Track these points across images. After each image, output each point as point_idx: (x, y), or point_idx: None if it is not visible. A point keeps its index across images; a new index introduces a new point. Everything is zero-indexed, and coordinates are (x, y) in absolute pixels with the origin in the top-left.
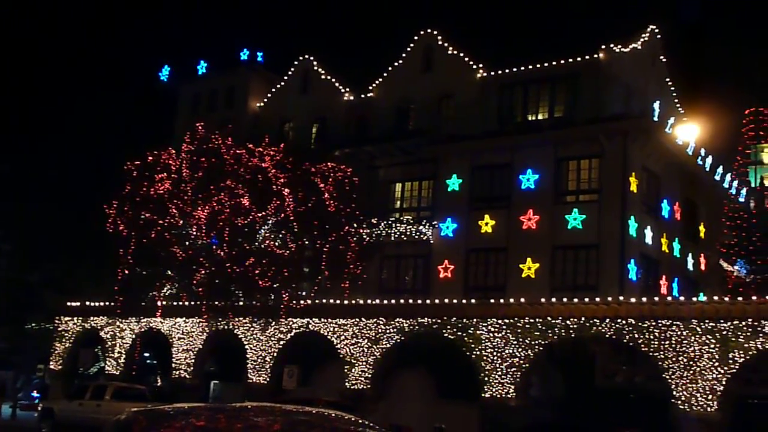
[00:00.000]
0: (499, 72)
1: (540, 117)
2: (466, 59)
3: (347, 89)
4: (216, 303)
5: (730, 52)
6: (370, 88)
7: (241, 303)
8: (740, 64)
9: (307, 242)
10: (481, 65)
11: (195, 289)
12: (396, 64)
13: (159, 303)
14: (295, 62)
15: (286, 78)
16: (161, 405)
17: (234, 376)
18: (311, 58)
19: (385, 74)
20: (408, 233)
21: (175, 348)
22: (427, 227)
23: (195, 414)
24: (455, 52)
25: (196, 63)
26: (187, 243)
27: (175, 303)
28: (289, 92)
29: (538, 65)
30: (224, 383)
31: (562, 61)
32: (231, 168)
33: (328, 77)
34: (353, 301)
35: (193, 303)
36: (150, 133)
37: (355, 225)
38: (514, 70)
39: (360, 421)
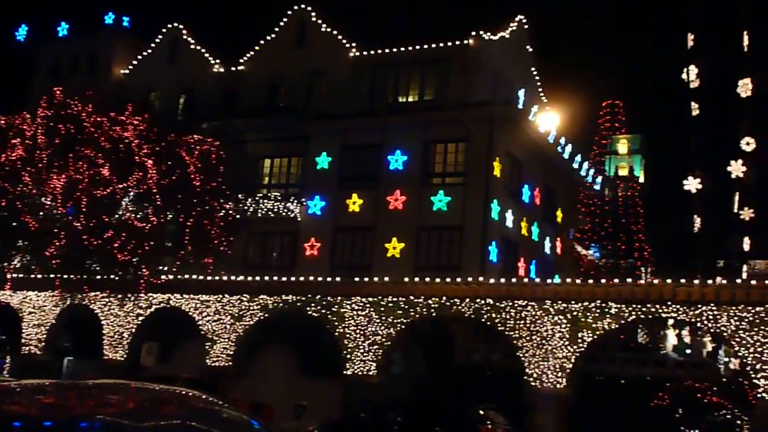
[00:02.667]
0: (372, 52)
1: (410, 99)
2: (340, 37)
3: (217, 61)
4: (71, 276)
5: (591, 46)
6: (241, 61)
7: (98, 277)
8: (600, 59)
9: (170, 216)
10: (354, 44)
11: (49, 261)
12: (268, 38)
13: (8, 275)
14: (164, 30)
15: (153, 46)
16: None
17: (89, 352)
18: (180, 26)
19: (256, 48)
20: (275, 210)
21: (26, 323)
22: (294, 204)
23: (43, 391)
24: (329, 29)
25: (57, 24)
26: (41, 213)
27: (26, 275)
28: (156, 61)
29: (410, 48)
30: (78, 360)
31: (434, 46)
32: (91, 136)
33: (198, 47)
34: (216, 277)
35: (46, 276)
36: (3, 95)
37: (221, 200)
38: (387, 51)
39: (213, 399)
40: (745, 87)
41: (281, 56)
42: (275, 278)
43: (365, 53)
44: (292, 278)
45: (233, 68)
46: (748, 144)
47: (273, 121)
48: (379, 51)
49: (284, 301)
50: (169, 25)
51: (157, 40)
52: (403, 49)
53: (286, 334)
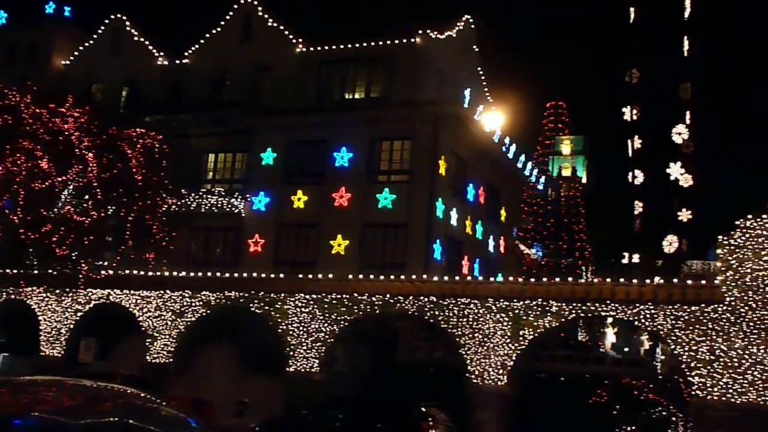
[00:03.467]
0: (319, 49)
1: (357, 96)
2: (286, 33)
3: (161, 54)
4: (7, 271)
5: (536, 48)
6: (186, 54)
7: (35, 271)
8: (545, 60)
9: (110, 210)
10: (300, 40)
11: None
12: (214, 31)
13: None
14: (106, 21)
15: (95, 37)
16: None
17: (25, 348)
18: (123, 17)
19: (202, 41)
20: (219, 205)
21: None
22: (239, 200)
23: None
24: (275, 24)
25: None
26: None
27: None
28: (98, 52)
29: (357, 45)
30: (14, 356)
31: (381, 43)
32: (29, 128)
33: (141, 39)
34: (158, 273)
35: None
36: None
37: (163, 194)
38: (334, 48)
39: (151, 397)
40: (685, 90)
41: (227, 50)
42: (218, 274)
43: (312, 49)
44: (236, 274)
45: (178, 61)
46: (686, 147)
47: (218, 115)
48: (326, 47)
49: (227, 298)
50: (112, 16)
51: (100, 32)
52: (350, 46)
53: (229, 330)
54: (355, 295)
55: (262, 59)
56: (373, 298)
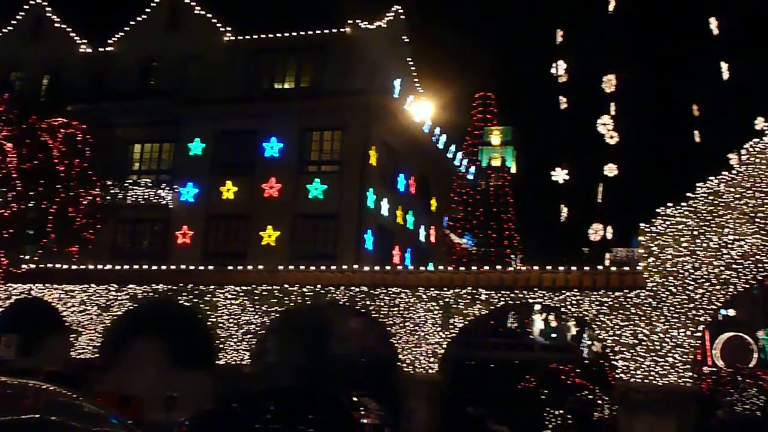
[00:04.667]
0: (248, 37)
1: (287, 86)
2: (214, 21)
3: (84, 41)
4: None
5: (466, 38)
6: (111, 42)
7: None
8: (474, 51)
9: (31, 203)
10: (229, 29)
11: None
12: (139, 18)
13: None
14: (26, 6)
15: (14, 23)
16: None
17: None
18: (44, 3)
19: (126, 29)
20: (146, 197)
21: None
22: (166, 191)
23: None
24: (202, 12)
25: None
26: None
27: None
28: (17, 39)
29: (287, 34)
30: None
31: (311, 33)
32: None
33: (63, 26)
34: (82, 266)
35: None
36: None
37: (87, 186)
38: (263, 37)
39: (73, 393)
40: (609, 82)
41: (153, 38)
42: (145, 267)
43: (241, 38)
44: (163, 267)
45: (102, 49)
46: (611, 137)
47: (144, 104)
48: (256, 36)
49: (154, 291)
50: (32, 2)
51: (19, 17)
52: (279, 35)
53: (157, 324)
54: (286, 286)
55: (189, 48)
56: (304, 289)
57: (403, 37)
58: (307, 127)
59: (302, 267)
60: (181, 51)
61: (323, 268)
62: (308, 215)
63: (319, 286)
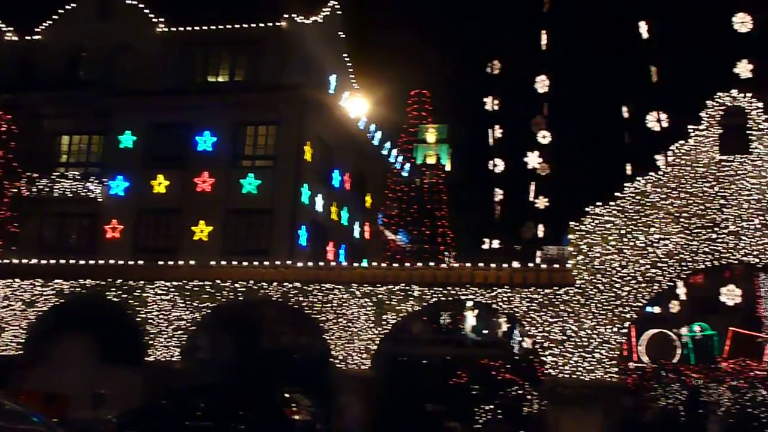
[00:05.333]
0: (181, 29)
1: (221, 79)
2: (146, 11)
3: (11, 29)
4: None
5: (402, 35)
6: (38, 30)
7: None
8: (410, 49)
9: None
10: (162, 20)
11: None
12: (68, 7)
13: None
14: None
15: None
16: None
17: None
18: None
19: (55, 17)
20: (74, 190)
21: None
22: (95, 184)
23: None
24: (134, 2)
25: None
26: None
27: None
28: None
29: (221, 27)
30: None
31: (245, 26)
32: None
33: None
34: (6, 261)
35: None
36: None
37: (11, 178)
38: (197, 29)
39: None
40: (542, 83)
41: (83, 28)
42: (72, 262)
43: (174, 30)
44: (91, 262)
45: (29, 38)
46: (544, 137)
47: (73, 95)
48: (189, 28)
49: (82, 286)
50: None
51: None
52: (213, 27)
53: (85, 320)
54: (218, 281)
55: (120, 38)
56: (237, 285)
57: (340, 33)
58: (242, 122)
59: (235, 262)
60: (111, 41)
61: (256, 263)
62: (242, 210)
63: (251, 281)
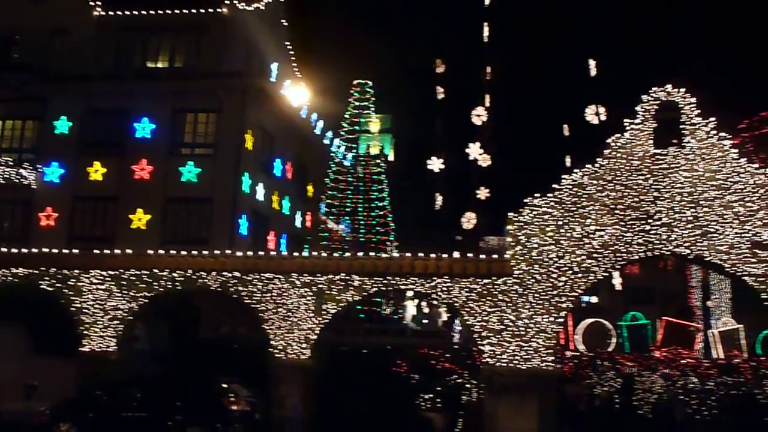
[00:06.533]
0: (119, 13)
1: (160, 65)
2: None
3: None
4: None
5: (346, 24)
6: None
7: None
8: (354, 38)
9: None
10: (98, 3)
11: None
12: None
13: None
14: None
15: None
16: None
17: None
18: None
19: None
20: (7, 176)
21: None
22: (29, 171)
23: None
24: None
25: None
26: None
27: None
28: None
29: (160, 12)
30: None
31: (186, 12)
32: None
33: None
34: None
35: None
36: None
37: None
38: (135, 13)
39: None
40: (484, 74)
41: (16, 9)
42: (4, 250)
43: (111, 14)
44: (24, 250)
45: None
46: (485, 128)
47: (5, 79)
48: (127, 12)
49: (14, 275)
50: None
51: None
52: (153, 12)
53: (17, 310)
54: (156, 271)
55: (56, 21)
56: (175, 274)
57: (282, 21)
58: (181, 109)
59: (173, 251)
60: (46, 24)
61: (195, 252)
62: (181, 199)
63: (190, 271)
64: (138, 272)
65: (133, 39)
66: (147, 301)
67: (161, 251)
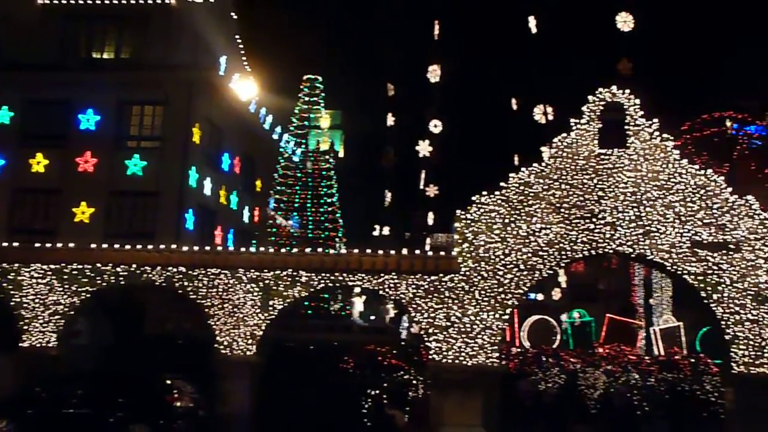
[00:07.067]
0: (63, 1)
1: (106, 56)
2: None
3: None
4: None
5: (296, 19)
6: None
7: None
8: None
9: None
10: None
11: None
12: None
13: None
14: None
15: None
16: None
17: None
18: None
19: None
20: None
21: None
22: None
23: None
24: None
25: None
26: None
27: None
28: None
29: (106, 1)
30: None
31: (132, 2)
32: None
33: None
34: None
35: None
36: None
37: None
38: (80, 2)
39: None
40: (433, 73)
41: None
42: None
43: (56, 1)
44: None
45: None
46: (435, 126)
47: None
48: (72, 1)
49: None
50: None
51: None
52: (98, 1)
53: None
54: (99, 265)
55: None
56: (118, 269)
57: (231, 14)
58: (127, 101)
59: (117, 246)
60: None
61: (139, 247)
62: (126, 192)
63: (134, 265)
64: (80, 266)
65: (78, 28)
66: (89, 295)
67: (105, 245)
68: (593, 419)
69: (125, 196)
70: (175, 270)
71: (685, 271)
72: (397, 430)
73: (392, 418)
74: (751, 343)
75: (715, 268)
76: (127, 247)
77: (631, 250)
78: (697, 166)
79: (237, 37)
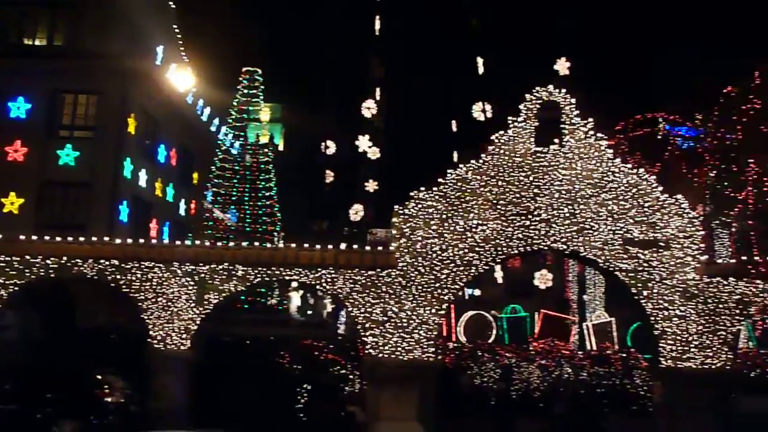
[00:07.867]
0: None
1: (38, 43)
2: None
3: None
4: None
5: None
6: None
7: None
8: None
9: None
10: None
11: None
12: None
13: None
14: None
15: None
16: None
17: None
18: None
19: None
20: None
21: None
22: None
23: None
24: None
25: None
26: None
27: None
28: None
29: None
30: None
31: None
32: None
33: None
34: None
35: None
36: None
37: None
38: None
39: None
40: (374, 67)
41: None
42: None
43: None
44: None
45: None
46: (375, 121)
47: None
48: None
49: None
50: None
51: None
52: None
53: None
54: (28, 257)
55: None
56: (48, 261)
57: (170, 3)
58: (60, 89)
59: (47, 237)
60: None
61: (70, 239)
62: (58, 183)
63: (65, 258)
64: (9, 258)
65: (8, 13)
66: (18, 288)
67: (34, 237)
68: (537, 413)
69: (57, 187)
70: (107, 263)
71: (617, 268)
72: (357, 427)
73: (353, 414)
74: (679, 338)
75: (645, 265)
76: (58, 239)
77: (565, 246)
78: (629, 166)
79: (175, 27)
